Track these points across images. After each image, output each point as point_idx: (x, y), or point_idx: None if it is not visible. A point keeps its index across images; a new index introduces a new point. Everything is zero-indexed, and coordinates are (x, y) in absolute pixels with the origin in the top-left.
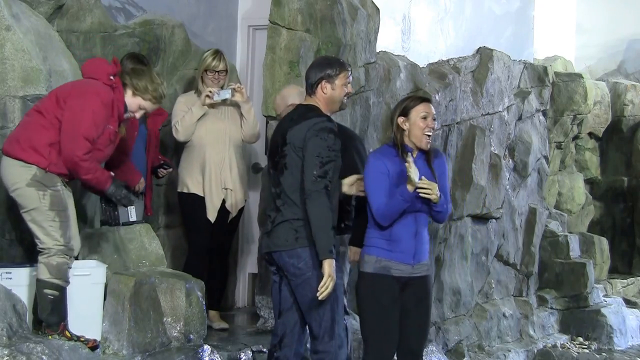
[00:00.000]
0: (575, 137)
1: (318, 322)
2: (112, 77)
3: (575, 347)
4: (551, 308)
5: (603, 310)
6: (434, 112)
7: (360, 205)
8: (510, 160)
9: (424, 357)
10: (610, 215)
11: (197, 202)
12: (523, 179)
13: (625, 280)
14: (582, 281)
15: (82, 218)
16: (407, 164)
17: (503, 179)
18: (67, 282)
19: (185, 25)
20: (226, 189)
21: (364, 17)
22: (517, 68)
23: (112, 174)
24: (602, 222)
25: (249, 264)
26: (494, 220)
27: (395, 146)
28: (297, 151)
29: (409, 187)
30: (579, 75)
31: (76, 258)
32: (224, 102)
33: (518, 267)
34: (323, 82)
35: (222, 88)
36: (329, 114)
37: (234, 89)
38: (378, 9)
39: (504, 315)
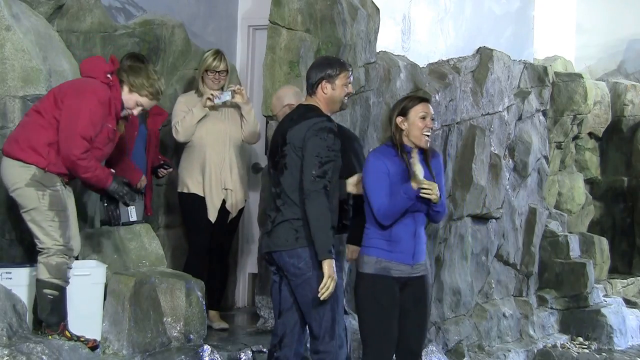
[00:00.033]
0: (575, 137)
1: (318, 322)
2: (109, 76)
3: (575, 347)
4: (551, 308)
5: (603, 310)
6: (433, 112)
7: (358, 204)
8: (510, 160)
9: (423, 357)
10: (610, 215)
11: (197, 202)
12: (523, 179)
13: (625, 280)
14: (582, 281)
15: (82, 218)
16: (412, 160)
17: (503, 179)
18: (67, 282)
19: (185, 25)
20: (226, 189)
21: (364, 17)
22: (517, 68)
23: (112, 171)
24: (602, 222)
25: (249, 264)
26: (494, 220)
27: (394, 146)
28: (296, 151)
29: (414, 185)
30: (579, 75)
31: (76, 258)
32: (224, 103)
33: (518, 267)
34: (323, 82)
35: (222, 88)
36: (329, 114)
37: (234, 90)
38: (378, 9)
39: (504, 315)
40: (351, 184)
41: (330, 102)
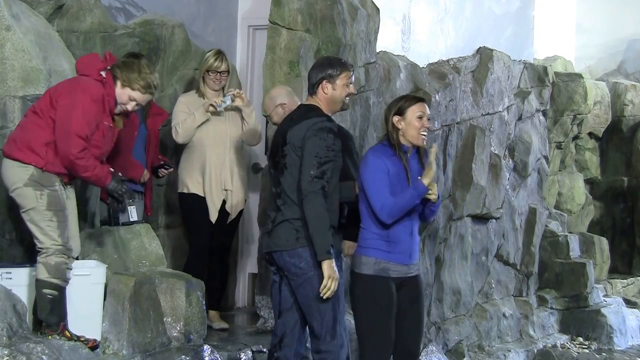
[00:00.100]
0: (575, 137)
1: (319, 321)
2: (102, 72)
3: (575, 347)
4: (551, 308)
5: (603, 310)
6: (429, 112)
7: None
8: (510, 160)
9: (423, 357)
10: (610, 215)
11: (197, 203)
12: (523, 179)
13: (625, 280)
14: (582, 281)
15: (82, 217)
16: (430, 156)
17: (503, 179)
18: (66, 282)
19: (185, 25)
20: (226, 190)
21: (364, 17)
22: (517, 68)
23: (111, 169)
24: (602, 222)
25: (249, 264)
26: (494, 220)
27: (391, 145)
28: (296, 151)
29: (425, 181)
30: (579, 75)
31: (76, 259)
32: (225, 107)
33: (518, 267)
34: (324, 82)
35: (223, 89)
36: (330, 114)
37: (234, 94)
38: (378, 9)
39: (504, 315)
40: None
41: (331, 102)
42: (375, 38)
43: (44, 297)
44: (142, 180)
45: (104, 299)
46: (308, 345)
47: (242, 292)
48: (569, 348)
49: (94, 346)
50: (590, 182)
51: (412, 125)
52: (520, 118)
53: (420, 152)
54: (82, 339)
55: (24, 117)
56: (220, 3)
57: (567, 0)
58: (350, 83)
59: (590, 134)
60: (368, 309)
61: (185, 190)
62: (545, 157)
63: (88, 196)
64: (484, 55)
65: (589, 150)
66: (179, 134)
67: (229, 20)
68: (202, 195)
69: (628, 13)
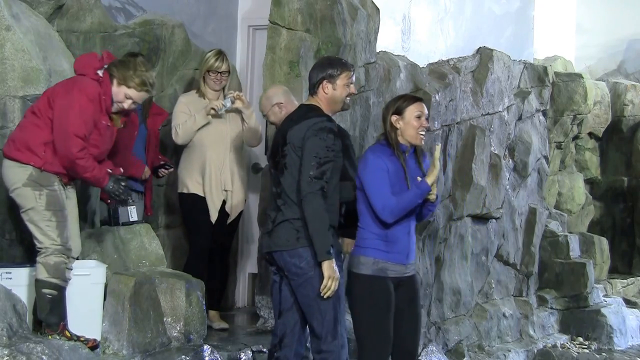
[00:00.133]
0: (575, 137)
1: (320, 321)
2: (99, 71)
3: (575, 347)
4: (551, 308)
5: (603, 310)
6: (427, 112)
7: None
8: (510, 160)
9: (423, 357)
10: (610, 215)
11: (197, 203)
12: (523, 179)
13: (625, 280)
14: (582, 281)
15: (82, 218)
16: (435, 154)
17: (503, 179)
18: (66, 282)
19: (185, 25)
20: (226, 190)
21: (364, 17)
22: (517, 68)
23: (109, 170)
24: (602, 222)
25: (249, 264)
26: (494, 220)
27: (389, 145)
28: (296, 151)
29: (430, 180)
30: (579, 75)
31: (77, 259)
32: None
33: (518, 267)
34: (324, 82)
35: (224, 89)
36: (330, 114)
37: (234, 96)
38: (378, 9)
39: (504, 315)
40: None
41: (331, 102)
42: (375, 38)
43: (44, 297)
44: (144, 177)
45: (104, 299)
46: (308, 345)
47: (242, 292)
48: (569, 348)
49: (93, 346)
50: (590, 182)
51: (411, 125)
52: (520, 118)
53: (417, 152)
54: (82, 339)
55: (23, 117)
56: (220, 3)
57: (567, 0)
58: (351, 83)
59: (590, 134)
60: (367, 309)
61: (185, 191)
62: (545, 157)
63: (88, 196)
64: (484, 55)
65: (589, 150)
66: (179, 136)
67: (229, 20)
68: (202, 195)
69: (628, 13)
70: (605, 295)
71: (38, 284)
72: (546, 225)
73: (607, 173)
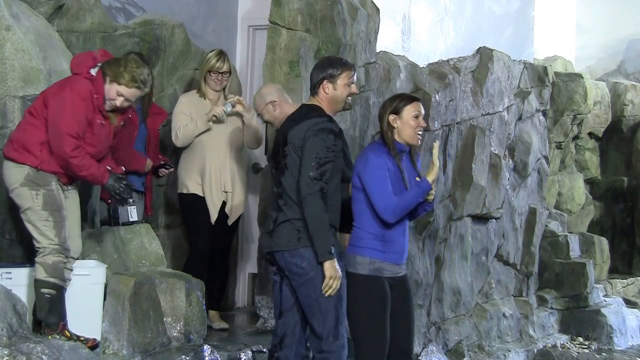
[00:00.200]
0: (575, 137)
1: (321, 321)
2: (93, 70)
3: (575, 347)
4: (551, 308)
5: (603, 310)
6: (424, 112)
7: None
8: (510, 160)
9: (423, 357)
10: (610, 215)
11: (197, 203)
12: (523, 179)
13: (625, 280)
14: (582, 281)
15: (83, 217)
16: (434, 152)
17: (503, 179)
18: (65, 281)
19: (185, 25)
20: (226, 192)
21: (364, 17)
22: (517, 68)
23: (108, 167)
24: (602, 222)
25: (249, 264)
26: (494, 220)
27: (385, 144)
28: (297, 151)
29: (430, 178)
30: (579, 75)
31: (77, 259)
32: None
33: (518, 267)
34: (325, 81)
35: (224, 90)
36: (331, 114)
37: (234, 101)
38: (378, 9)
39: (504, 315)
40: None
41: (332, 102)
42: (375, 38)
43: (43, 297)
44: (146, 170)
45: (104, 299)
46: (308, 345)
47: (242, 292)
48: (569, 348)
49: (93, 346)
50: (590, 182)
51: (408, 125)
52: (520, 118)
53: (411, 152)
54: (81, 339)
55: (22, 118)
56: (220, 3)
57: (567, 0)
58: (352, 83)
59: (590, 134)
60: (364, 309)
61: (184, 191)
62: (545, 157)
63: (88, 196)
64: (484, 55)
65: (589, 150)
66: (179, 139)
67: (229, 20)
68: (201, 195)
69: (628, 13)
70: (605, 295)
71: (37, 284)
72: (546, 225)
73: (607, 173)
